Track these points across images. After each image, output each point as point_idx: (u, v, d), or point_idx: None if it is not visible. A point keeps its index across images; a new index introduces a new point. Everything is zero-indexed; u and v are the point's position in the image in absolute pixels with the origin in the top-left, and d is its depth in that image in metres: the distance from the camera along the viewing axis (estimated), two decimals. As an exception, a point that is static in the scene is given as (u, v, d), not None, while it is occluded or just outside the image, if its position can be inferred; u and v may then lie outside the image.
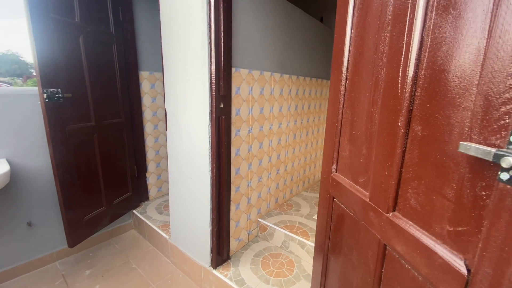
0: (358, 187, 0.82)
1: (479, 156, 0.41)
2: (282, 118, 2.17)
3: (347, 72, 0.86)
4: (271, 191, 2.20)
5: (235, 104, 1.64)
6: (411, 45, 0.57)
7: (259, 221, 2.08)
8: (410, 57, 0.57)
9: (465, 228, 0.47)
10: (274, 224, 2.02)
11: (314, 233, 1.90)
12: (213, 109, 1.47)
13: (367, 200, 0.75)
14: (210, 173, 1.56)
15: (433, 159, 0.53)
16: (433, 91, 0.53)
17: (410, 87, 0.57)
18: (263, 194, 2.10)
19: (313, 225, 2.04)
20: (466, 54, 0.46)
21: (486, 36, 0.42)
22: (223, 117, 1.50)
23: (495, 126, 0.41)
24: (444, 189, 0.51)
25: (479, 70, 0.44)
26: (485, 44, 0.43)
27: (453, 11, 0.48)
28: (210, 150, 1.52)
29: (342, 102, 0.89)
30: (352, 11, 0.80)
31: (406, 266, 0.61)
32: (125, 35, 2.16)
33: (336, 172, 0.95)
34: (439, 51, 0.51)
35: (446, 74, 0.50)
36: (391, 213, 0.65)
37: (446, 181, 0.50)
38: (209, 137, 1.50)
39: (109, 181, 2.09)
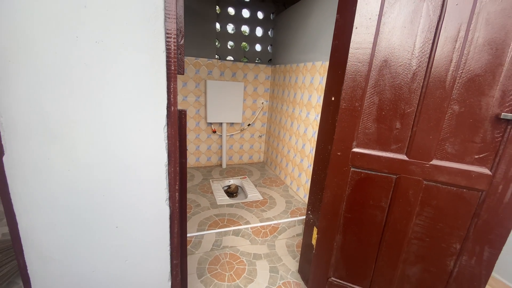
0: (390, 153, 1.10)
1: (507, 118, 0.89)
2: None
3: (370, 63, 1.02)
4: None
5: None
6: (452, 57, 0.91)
7: (177, 238, 1.61)
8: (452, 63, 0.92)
9: (486, 153, 0.97)
10: (197, 231, 1.69)
11: (239, 217, 1.88)
12: (173, 99, 0.88)
13: (406, 158, 1.07)
14: (168, 202, 0.97)
15: (467, 123, 0.96)
16: (469, 84, 0.93)
17: (452, 82, 0.93)
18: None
19: (228, 210, 1.96)
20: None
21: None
22: (183, 110, 0.95)
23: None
24: (473, 137, 0.97)
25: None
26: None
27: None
28: (167, 167, 0.93)
29: (363, 90, 1.05)
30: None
31: (443, 187, 1.05)
32: None
33: (356, 147, 1.14)
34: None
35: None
36: (433, 161, 1.03)
37: (475, 133, 0.96)
38: (165, 146, 0.90)
39: None
